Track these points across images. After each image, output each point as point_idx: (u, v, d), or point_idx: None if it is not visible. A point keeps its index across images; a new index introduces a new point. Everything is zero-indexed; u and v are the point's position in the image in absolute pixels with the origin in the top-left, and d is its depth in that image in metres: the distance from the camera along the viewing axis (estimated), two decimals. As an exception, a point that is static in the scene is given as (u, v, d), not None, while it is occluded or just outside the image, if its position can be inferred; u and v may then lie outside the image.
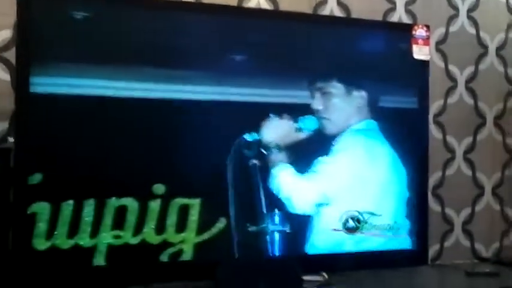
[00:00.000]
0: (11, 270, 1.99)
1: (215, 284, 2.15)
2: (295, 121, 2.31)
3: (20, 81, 2.02)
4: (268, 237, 2.26)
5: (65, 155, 2.05)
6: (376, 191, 2.42)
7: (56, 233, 2.03)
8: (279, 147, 2.27)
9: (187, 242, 2.18)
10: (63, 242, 2.04)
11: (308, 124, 2.31)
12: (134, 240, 2.12)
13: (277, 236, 2.27)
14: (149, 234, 2.14)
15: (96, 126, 2.10)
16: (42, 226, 2.02)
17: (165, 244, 2.16)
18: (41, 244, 2.02)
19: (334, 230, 2.36)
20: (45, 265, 2.03)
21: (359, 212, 2.38)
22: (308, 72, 2.36)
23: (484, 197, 3.04)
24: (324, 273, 2.36)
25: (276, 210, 2.26)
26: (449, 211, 2.97)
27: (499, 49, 3.08)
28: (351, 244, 2.39)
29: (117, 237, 2.10)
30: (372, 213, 2.41)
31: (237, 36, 2.29)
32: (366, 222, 2.40)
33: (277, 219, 2.26)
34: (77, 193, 2.05)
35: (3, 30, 2.28)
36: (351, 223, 2.38)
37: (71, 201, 2.05)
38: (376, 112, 2.44)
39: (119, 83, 2.10)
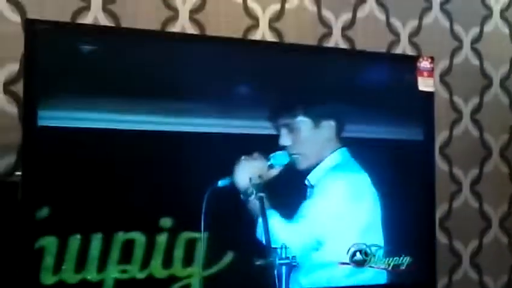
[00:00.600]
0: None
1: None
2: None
3: (28, 114, 2.01)
4: (276, 271, 2.24)
5: (72, 189, 2.04)
6: (381, 225, 2.40)
7: (63, 267, 2.01)
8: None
9: (194, 276, 2.16)
10: (70, 276, 2.02)
11: (279, 159, 2.31)
12: (141, 275, 2.10)
13: (284, 269, 2.24)
14: (156, 268, 2.12)
15: (102, 160, 2.08)
16: (49, 260, 2.00)
17: (172, 279, 2.13)
18: (48, 279, 2.00)
19: (342, 263, 2.34)
20: (53, 300, 2.01)
21: (366, 245, 2.36)
22: (310, 104, 2.35)
23: (491, 230, 3.02)
24: (332, 307, 2.34)
25: (284, 244, 2.23)
26: (456, 243, 2.95)
27: (503, 80, 3.09)
28: (359, 278, 2.36)
29: (124, 271, 2.08)
30: (380, 246, 2.39)
31: (242, 68, 2.29)
32: (374, 255, 2.37)
33: (284, 253, 2.24)
34: (84, 227, 2.03)
35: (10, 64, 2.28)
36: (359, 256, 2.36)
37: (78, 236, 2.03)
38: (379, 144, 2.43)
39: (125, 116, 2.10)
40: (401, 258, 2.43)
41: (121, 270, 2.07)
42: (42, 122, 2.00)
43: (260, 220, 2.20)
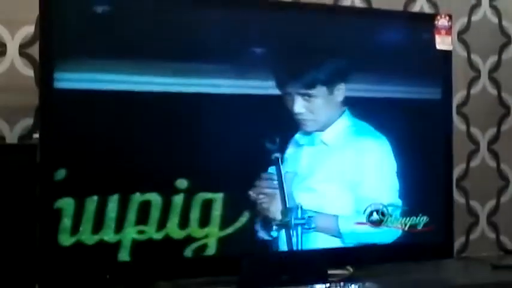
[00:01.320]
0: (37, 266, 1.99)
1: (240, 278, 2.15)
2: None
3: (44, 76, 2.01)
4: (292, 231, 2.25)
5: (89, 151, 2.05)
6: (398, 185, 2.40)
7: (81, 228, 2.03)
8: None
9: (211, 236, 2.17)
10: (88, 237, 2.04)
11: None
12: (158, 236, 2.11)
13: (300, 230, 2.25)
14: (173, 229, 2.13)
15: (119, 122, 2.09)
16: (67, 222, 2.01)
17: (189, 239, 2.15)
18: (66, 240, 2.01)
19: (358, 223, 2.34)
20: (71, 261, 2.03)
21: (383, 205, 2.36)
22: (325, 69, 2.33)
23: (509, 189, 3.01)
24: (349, 267, 2.34)
25: (300, 205, 2.24)
26: (474, 203, 2.95)
27: (523, 37, 3.05)
28: (375, 237, 2.37)
29: (141, 232, 2.09)
30: (396, 206, 2.39)
31: (258, 29, 2.27)
32: (391, 215, 2.37)
33: (300, 213, 2.25)
34: (101, 189, 2.05)
35: (26, 26, 2.28)
36: (375, 216, 2.36)
37: (95, 197, 2.04)
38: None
39: (142, 78, 2.09)
40: (419, 218, 2.43)
41: (138, 231, 2.09)
42: (58, 84, 2.00)
43: (276, 181, 2.22)
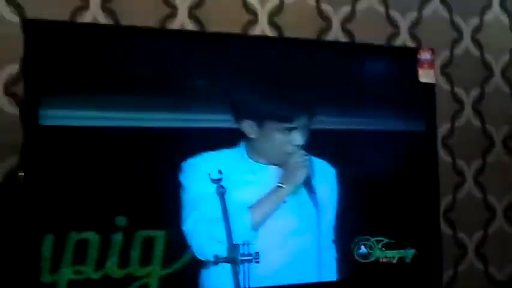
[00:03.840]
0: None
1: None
2: None
3: (28, 114, 2.00)
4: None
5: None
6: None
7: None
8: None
9: (152, 275, 2.09)
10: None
11: None
12: (96, 275, 2.04)
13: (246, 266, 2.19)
14: (112, 268, 2.06)
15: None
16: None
17: (130, 278, 2.07)
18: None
19: (346, 257, 2.33)
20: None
21: (371, 239, 2.36)
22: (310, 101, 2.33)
23: (496, 220, 3.02)
24: (339, 301, 2.33)
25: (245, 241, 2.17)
26: (461, 235, 2.95)
27: (504, 70, 3.08)
28: (363, 273, 2.36)
29: (78, 272, 2.03)
30: (384, 240, 2.38)
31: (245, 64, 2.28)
32: (379, 249, 2.37)
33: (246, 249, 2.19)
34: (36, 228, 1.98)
35: (10, 65, 2.28)
36: (364, 250, 2.36)
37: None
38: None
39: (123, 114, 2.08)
40: (407, 251, 2.42)
41: (75, 271, 2.01)
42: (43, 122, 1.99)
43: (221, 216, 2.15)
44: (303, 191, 2.25)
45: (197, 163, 2.16)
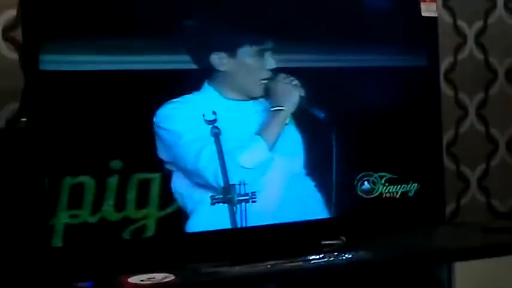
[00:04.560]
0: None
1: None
2: None
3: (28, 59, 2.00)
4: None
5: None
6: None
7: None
8: None
9: (149, 217, 2.10)
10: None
11: None
12: (93, 219, 2.05)
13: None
14: (109, 211, 2.06)
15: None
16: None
17: (126, 221, 2.08)
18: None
19: (350, 192, 2.35)
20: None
21: (374, 174, 2.37)
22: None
23: (498, 153, 3.03)
24: (343, 237, 2.36)
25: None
26: (464, 169, 2.96)
27: (507, 2, 3.03)
28: (367, 207, 2.38)
29: (73, 216, 2.03)
30: (387, 175, 2.40)
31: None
32: (382, 184, 2.39)
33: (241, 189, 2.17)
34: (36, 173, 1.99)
35: (8, 10, 2.26)
36: (367, 185, 2.38)
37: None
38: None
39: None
40: (409, 185, 2.44)
41: (70, 215, 2.02)
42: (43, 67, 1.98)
43: (216, 156, 2.14)
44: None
45: (179, 107, 2.13)
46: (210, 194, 2.14)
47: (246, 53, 2.18)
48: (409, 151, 2.46)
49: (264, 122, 2.21)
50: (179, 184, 2.13)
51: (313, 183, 2.30)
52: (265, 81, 2.22)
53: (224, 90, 2.20)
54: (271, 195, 2.23)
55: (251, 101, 2.23)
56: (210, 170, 2.14)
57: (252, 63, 2.20)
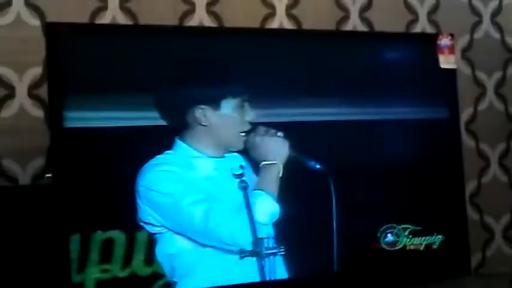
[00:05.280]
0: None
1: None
2: None
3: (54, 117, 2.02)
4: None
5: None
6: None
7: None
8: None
9: None
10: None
11: None
12: (123, 274, 2.05)
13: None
14: (138, 266, 2.07)
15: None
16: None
17: (156, 276, 2.08)
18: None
19: (372, 245, 2.34)
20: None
21: (397, 226, 2.36)
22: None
23: (522, 203, 3.02)
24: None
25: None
26: (488, 219, 2.94)
27: (526, 52, 3.06)
28: (391, 259, 2.36)
29: (104, 271, 2.03)
30: (411, 227, 2.39)
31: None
32: (406, 236, 2.37)
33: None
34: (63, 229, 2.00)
35: (33, 68, 2.31)
36: (390, 237, 2.36)
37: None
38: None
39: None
40: (434, 237, 2.42)
41: (102, 270, 2.02)
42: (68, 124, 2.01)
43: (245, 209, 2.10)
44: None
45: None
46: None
47: (229, 105, 2.13)
48: (432, 203, 2.45)
49: (258, 178, 2.16)
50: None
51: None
52: (245, 134, 2.15)
53: (200, 147, 2.13)
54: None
55: (229, 156, 2.17)
56: (224, 229, 2.10)
57: (234, 115, 2.13)
